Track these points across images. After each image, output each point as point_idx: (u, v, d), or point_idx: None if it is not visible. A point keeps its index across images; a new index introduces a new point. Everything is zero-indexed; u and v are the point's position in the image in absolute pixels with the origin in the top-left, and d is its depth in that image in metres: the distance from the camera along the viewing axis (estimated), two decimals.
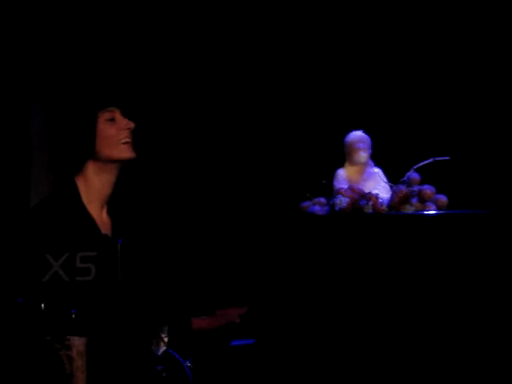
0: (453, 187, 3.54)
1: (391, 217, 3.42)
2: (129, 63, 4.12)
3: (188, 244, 4.15)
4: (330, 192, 3.58)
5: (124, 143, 2.99)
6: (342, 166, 3.61)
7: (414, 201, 3.46)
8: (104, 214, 3.01)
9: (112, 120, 2.98)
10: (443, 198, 3.48)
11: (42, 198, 3.06)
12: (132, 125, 3.00)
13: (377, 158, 3.61)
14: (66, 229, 2.87)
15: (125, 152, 2.99)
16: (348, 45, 4.01)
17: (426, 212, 3.43)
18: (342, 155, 3.62)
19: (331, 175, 3.61)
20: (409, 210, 3.44)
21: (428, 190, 3.47)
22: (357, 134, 3.60)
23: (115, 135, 2.98)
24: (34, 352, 2.62)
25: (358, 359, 3.33)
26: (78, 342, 2.67)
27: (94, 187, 2.98)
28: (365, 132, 3.60)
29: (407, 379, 3.30)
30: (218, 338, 3.36)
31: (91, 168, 2.98)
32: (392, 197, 3.48)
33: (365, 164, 3.58)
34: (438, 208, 3.45)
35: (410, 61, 3.94)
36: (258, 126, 4.10)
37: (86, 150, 2.96)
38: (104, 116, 2.98)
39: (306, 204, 3.57)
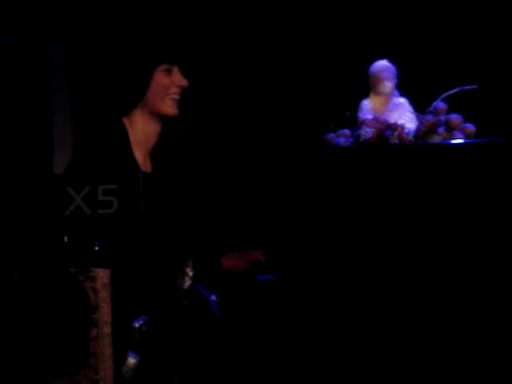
0: (480, 116, 3.49)
1: (418, 147, 3.38)
2: (197, 25, 4.09)
3: (212, 181, 4.13)
4: (354, 124, 3.53)
5: (172, 99, 2.96)
6: (366, 96, 3.56)
7: (441, 130, 3.42)
8: (148, 162, 3.02)
9: (168, 71, 2.96)
10: (471, 127, 3.42)
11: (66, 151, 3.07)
12: (186, 83, 2.98)
13: (402, 88, 3.55)
14: (110, 167, 2.86)
15: (169, 107, 2.97)
16: None
17: (453, 141, 3.38)
18: (367, 85, 3.56)
19: (355, 106, 3.56)
20: (436, 139, 3.40)
21: (455, 118, 3.42)
22: (381, 64, 3.53)
23: (167, 88, 2.95)
24: (59, 284, 2.60)
25: (375, 293, 3.32)
26: (102, 274, 2.65)
27: (140, 134, 2.99)
28: (390, 61, 3.54)
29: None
30: (244, 274, 3.34)
31: (139, 115, 2.98)
32: (418, 127, 3.43)
33: (390, 94, 3.53)
34: (466, 137, 3.40)
35: None
36: (284, 58, 4.05)
37: (137, 94, 2.95)
38: (162, 66, 2.96)
39: (331, 136, 3.53)
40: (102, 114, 3.09)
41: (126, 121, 2.98)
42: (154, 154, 3.04)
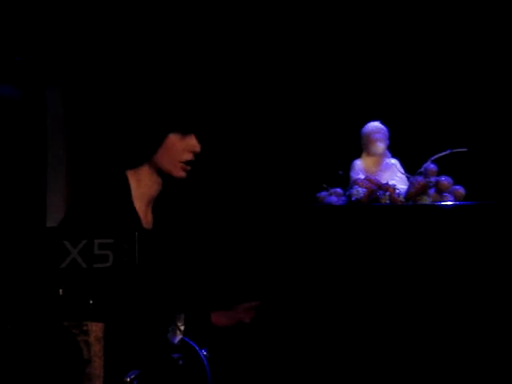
0: (470, 178, 3.54)
1: (408, 208, 3.42)
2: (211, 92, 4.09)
3: (205, 236, 4.14)
4: (346, 183, 3.57)
5: (185, 164, 2.91)
6: (359, 156, 3.61)
7: (432, 192, 3.46)
8: (149, 213, 3.00)
9: (183, 134, 2.90)
10: (460, 189, 3.47)
11: (58, 197, 3.05)
12: (199, 149, 2.92)
13: (394, 149, 3.61)
14: (109, 221, 2.85)
15: (180, 172, 2.93)
16: (366, 35, 4.00)
17: (443, 203, 3.43)
18: (359, 146, 3.62)
19: (348, 166, 3.61)
20: (426, 201, 3.44)
21: (445, 181, 3.47)
22: (374, 125, 3.59)
23: (180, 153, 2.90)
24: (52, 337, 2.62)
25: (367, 352, 3.35)
26: (95, 328, 2.66)
27: (144, 186, 2.94)
28: (382, 123, 3.60)
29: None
30: (234, 329, 3.36)
31: (146, 170, 2.93)
32: (409, 188, 3.47)
33: (382, 155, 3.59)
34: (456, 199, 3.45)
35: (427, 50, 3.93)
36: (276, 116, 4.09)
37: (147, 154, 2.92)
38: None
39: (323, 194, 3.57)
40: (103, 166, 3.06)
41: (130, 174, 2.95)
42: (157, 203, 3.02)
